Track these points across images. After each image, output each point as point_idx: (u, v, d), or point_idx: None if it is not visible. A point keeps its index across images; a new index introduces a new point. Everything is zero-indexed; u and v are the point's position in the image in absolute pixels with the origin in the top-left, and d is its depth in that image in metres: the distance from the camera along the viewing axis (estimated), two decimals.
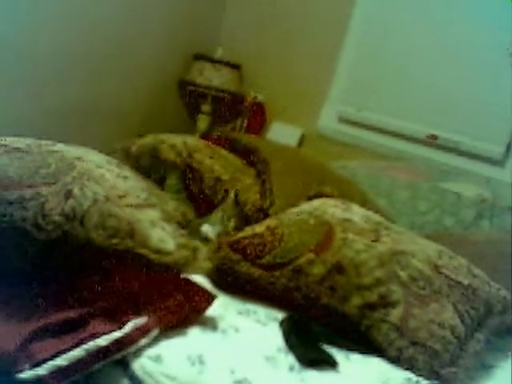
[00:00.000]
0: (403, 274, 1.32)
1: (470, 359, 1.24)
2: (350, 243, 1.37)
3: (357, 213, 1.54)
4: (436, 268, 1.37)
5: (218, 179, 1.77)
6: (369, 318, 1.26)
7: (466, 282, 1.37)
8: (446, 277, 1.36)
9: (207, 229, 1.53)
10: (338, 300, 1.28)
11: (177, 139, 1.89)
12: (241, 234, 1.42)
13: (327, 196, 1.76)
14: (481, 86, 2.44)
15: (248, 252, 1.35)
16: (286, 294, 1.32)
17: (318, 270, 1.31)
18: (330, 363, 1.13)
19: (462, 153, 2.50)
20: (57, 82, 2.52)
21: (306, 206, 1.56)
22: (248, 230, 1.43)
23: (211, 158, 1.83)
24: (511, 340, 1.47)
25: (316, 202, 1.59)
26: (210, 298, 1.16)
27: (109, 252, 1.17)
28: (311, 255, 1.33)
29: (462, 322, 1.28)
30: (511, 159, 2.40)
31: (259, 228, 1.42)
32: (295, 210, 1.55)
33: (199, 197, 1.75)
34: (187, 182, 1.76)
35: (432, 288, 1.32)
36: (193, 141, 1.93)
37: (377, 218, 1.58)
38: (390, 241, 1.41)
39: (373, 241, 1.40)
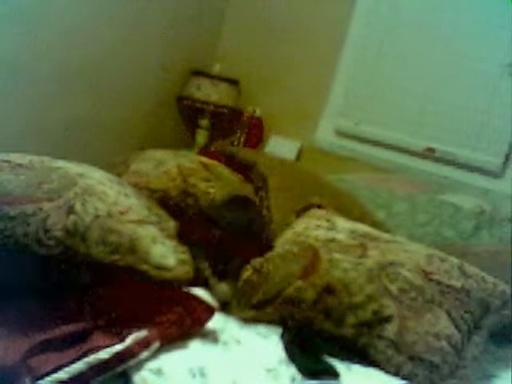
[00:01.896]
0: (393, 288, 1.33)
1: (470, 366, 1.24)
2: (336, 263, 1.38)
3: (342, 229, 1.55)
4: (426, 275, 1.37)
5: (213, 201, 1.79)
6: (365, 335, 1.26)
7: (458, 285, 1.37)
8: (438, 283, 1.36)
9: (224, 290, 1.51)
10: (333, 323, 1.28)
11: (171, 163, 1.89)
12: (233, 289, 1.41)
13: (317, 207, 1.77)
14: (478, 98, 2.45)
15: (241, 301, 1.36)
16: (282, 324, 1.32)
17: (308, 295, 1.32)
18: (331, 374, 1.13)
19: (459, 165, 2.51)
20: (57, 99, 2.54)
21: (289, 235, 1.58)
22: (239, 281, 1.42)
23: (206, 180, 1.85)
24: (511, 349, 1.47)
25: (299, 227, 1.61)
26: (210, 311, 1.17)
27: (110, 267, 1.18)
28: (299, 282, 1.34)
29: (458, 329, 1.28)
30: (509, 171, 2.40)
31: (247, 273, 1.41)
32: (279, 241, 1.56)
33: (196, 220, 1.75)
34: (182, 206, 1.76)
35: (424, 298, 1.32)
36: (187, 162, 1.94)
37: (363, 229, 1.59)
38: (377, 254, 1.42)
39: (360, 257, 1.40)
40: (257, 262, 1.43)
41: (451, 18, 2.54)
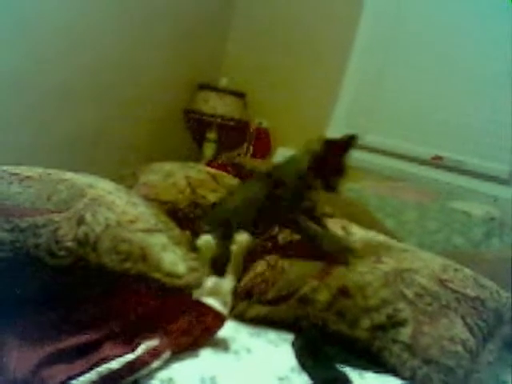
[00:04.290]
0: (409, 292, 1.32)
1: (484, 371, 1.23)
2: (352, 266, 1.39)
3: (357, 236, 1.55)
4: (441, 282, 1.37)
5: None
6: (380, 339, 1.25)
7: (473, 294, 1.37)
8: (453, 290, 1.36)
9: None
10: (347, 325, 1.28)
11: (179, 175, 1.90)
12: (244, 279, 1.43)
13: (328, 216, 1.77)
14: (485, 105, 2.46)
15: (253, 293, 1.37)
16: (295, 324, 1.32)
17: (323, 296, 1.32)
18: (344, 382, 1.12)
19: (467, 172, 2.50)
20: (63, 113, 2.56)
21: None
22: (250, 273, 1.44)
23: (214, 191, 1.85)
24: None
25: None
26: (221, 319, 1.17)
27: (121, 276, 1.18)
28: (314, 282, 1.34)
29: (473, 334, 1.27)
30: None
31: (260, 267, 1.43)
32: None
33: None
34: (192, 217, 1.76)
35: (439, 303, 1.32)
36: (196, 173, 1.95)
37: (378, 238, 1.59)
38: (392, 261, 1.43)
39: (375, 262, 1.41)
40: (272, 257, 1.44)
41: (456, 28, 2.56)
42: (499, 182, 2.43)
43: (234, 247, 1.43)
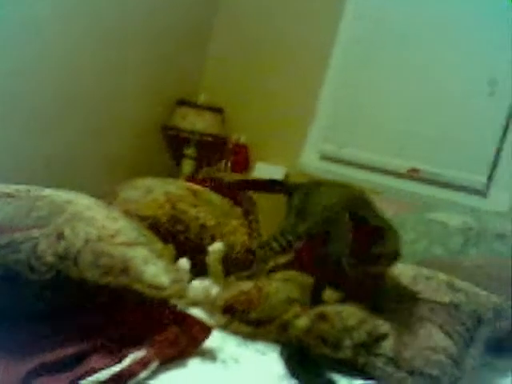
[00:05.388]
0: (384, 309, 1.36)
1: (469, 377, 1.25)
2: None
3: None
4: (414, 295, 1.40)
5: (203, 226, 1.80)
6: (363, 355, 1.26)
7: (446, 301, 1.39)
8: (426, 301, 1.38)
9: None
10: (329, 348, 1.28)
11: (158, 191, 1.90)
12: (228, 293, 1.44)
13: None
14: (460, 118, 2.49)
15: (235, 309, 1.38)
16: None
17: (302, 322, 1.32)
18: None
19: (444, 184, 2.53)
20: (40, 132, 2.54)
21: None
22: (233, 288, 1.46)
23: (195, 206, 1.86)
24: (510, 360, 1.47)
25: None
26: (207, 330, 1.17)
27: (105, 289, 1.17)
28: (297, 308, 1.37)
29: (453, 341, 1.30)
30: (493, 189, 2.43)
31: (246, 286, 1.44)
32: None
33: (187, 246, 1.74)
34: (173, 232, 1.76)
35: (415, 316, 1.35)
36: (175, 189, 1.94)
37: None
38: None
39: None
40: (260, 280, 1.46)
41: (434, 41, 2.59)
42: (475, 193, 2.46)
43: (209, 258, 1.43)
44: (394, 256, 1.42)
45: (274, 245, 1.53)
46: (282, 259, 1.65)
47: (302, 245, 1.60)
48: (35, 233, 1.22)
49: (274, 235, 1.55)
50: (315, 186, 1.67)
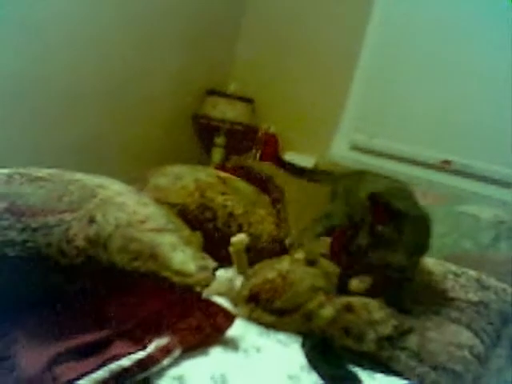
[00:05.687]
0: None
1: (494, 377, 1.23)
2: None
3: None
4: (443, 293, 1.38)
5: (231, 214, 1.80)
6: (387, 349, 1.26)
7: (476, 299, 1.37)
8: (455, 299, 1.37)
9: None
10: (353, 340, 1.28)
11: (188, 178, 1.91)
12: (253, 282, 1.44)
13: None
14: (493, 109, 2.45)
15: (259, 298, 1.38)
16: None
17: (327, 311, 1.32)
18: (353, 381, 1.12)
19: (476, 177, 2.50)
20: (72, 118, 2.58)
21: None
22: (259, 277, 1.45)
23: (223, 194, 1.86)
24: None
25: None
26: (230, 318, 1.17)
27: (131, 274, 1.19)
28: (322, 298, 1.36)
29: (480, 339, 1.28)
30: None
31: (271, 274, 1.44)
32: None
33: (214, 233, 1.76)
34: (201, 220, 1.77)
35: (443, 315, 1.34)
36: (205, 176, 1.96)
37: None
38: None
39: None
40: (284, 267, 1.45)
41: (464, 31, 2.55)
42: (508, 186, 2.42)
43: (233, 249, 1.44)
44: (416, 247, 1.39)
45: (318, 227, 1.53)
46: (321, 248, 1.64)
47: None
48: (67, 216, 1.23)
49: (319, 217, 1.55)
50: (360, 174, 1.67)
